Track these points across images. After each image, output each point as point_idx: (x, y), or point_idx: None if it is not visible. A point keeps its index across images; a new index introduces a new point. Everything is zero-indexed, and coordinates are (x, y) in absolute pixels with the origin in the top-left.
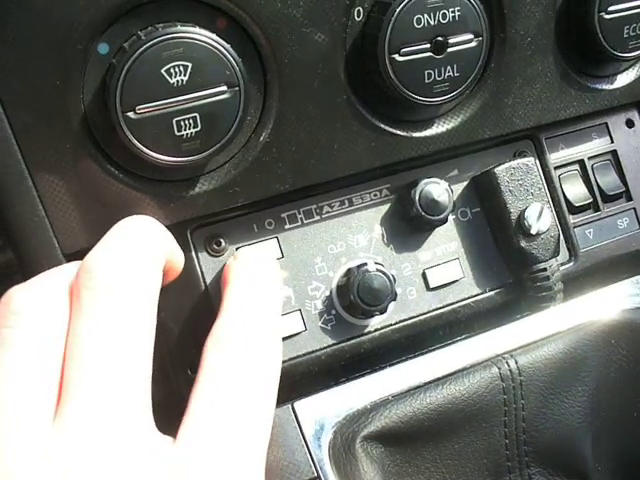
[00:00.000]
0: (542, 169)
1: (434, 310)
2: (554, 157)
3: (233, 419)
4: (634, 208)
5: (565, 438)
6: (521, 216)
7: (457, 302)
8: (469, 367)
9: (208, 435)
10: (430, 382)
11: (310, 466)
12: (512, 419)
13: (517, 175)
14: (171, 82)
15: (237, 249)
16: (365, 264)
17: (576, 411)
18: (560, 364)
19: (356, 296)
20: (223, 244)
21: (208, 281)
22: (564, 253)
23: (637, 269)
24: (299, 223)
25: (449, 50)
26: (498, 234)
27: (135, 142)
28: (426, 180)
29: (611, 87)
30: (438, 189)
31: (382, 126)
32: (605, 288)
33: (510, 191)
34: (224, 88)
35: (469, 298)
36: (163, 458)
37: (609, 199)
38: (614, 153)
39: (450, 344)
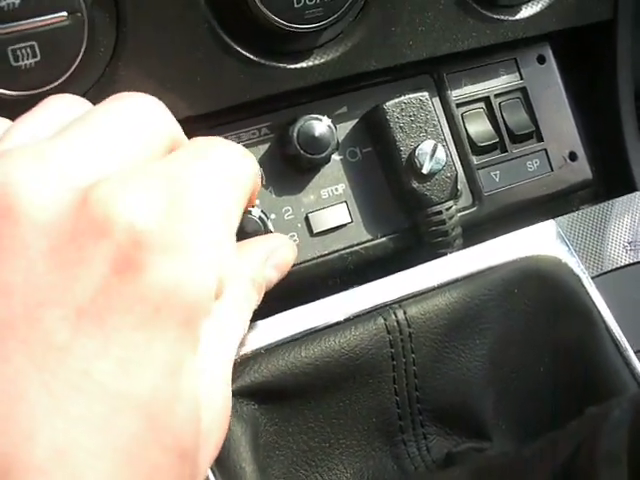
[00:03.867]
0: (443, 107)
1: (319, 257)
2: (456, 94)
3: None
4: (545, 149)
5: (463, 395)
6: (412, 154)
7: (344, 249)
8: (352, 318)
9: None
10: (307, 334)
11: None
12: (402, 374)
13: (409, 111)
14: (1, 5)
15: None
16: None
17: (474, 366)
18: (455, 315)
19: None
20: None
21: None
22: (467, 197)
23: (547, 214)
24: None
25: None
26: (389, 175)
27: None
28: (306, 117)
29: (514, 18)
30: (319, 126)
31: (251, 57)
32: (509, 234)
33: (401, 128)
34: (64, 14)
35: (358, 245)
36: None
37: (518, 139)
38: (523, 90)
39: (333, 294)
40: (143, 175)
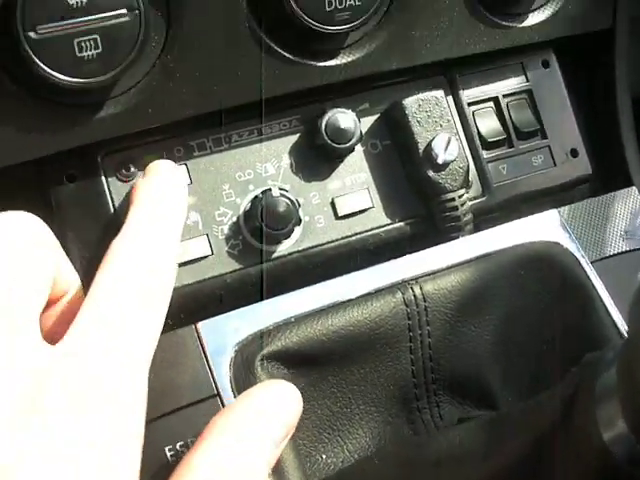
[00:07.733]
0: (455, 105)
1: (343, 238)
2: (468, 94)
3: (114, 334)
4: (549, 146)
5: (473, 367)
6: (428, 146)
7: (366, 231)
8: (374, 292)
9: (88, 343)
10: (333, 306)
11: (210, 384)
12: (418, 345)
13: (425, 107)
14: (70, 3)
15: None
16: (269, 189)
17: (484, 340)
18: (466, 292)
19: (260, 220)
20: (132, 169)
21: (117, 205)
22: (477, 187)
23: (550, 205)
24: (208, 151)
25: None
26: (407, 165)
27: (36, 61)
28: (334, 110)
29: (522, 25)
30: (345, 118)
31: (285, 54)
32: (516, 221)
33: (418, 122)
34: (124, 11)
35: (378, 228)
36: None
37: (524, 136)
38: (529, 92)
39: (356, 271)
40: None
